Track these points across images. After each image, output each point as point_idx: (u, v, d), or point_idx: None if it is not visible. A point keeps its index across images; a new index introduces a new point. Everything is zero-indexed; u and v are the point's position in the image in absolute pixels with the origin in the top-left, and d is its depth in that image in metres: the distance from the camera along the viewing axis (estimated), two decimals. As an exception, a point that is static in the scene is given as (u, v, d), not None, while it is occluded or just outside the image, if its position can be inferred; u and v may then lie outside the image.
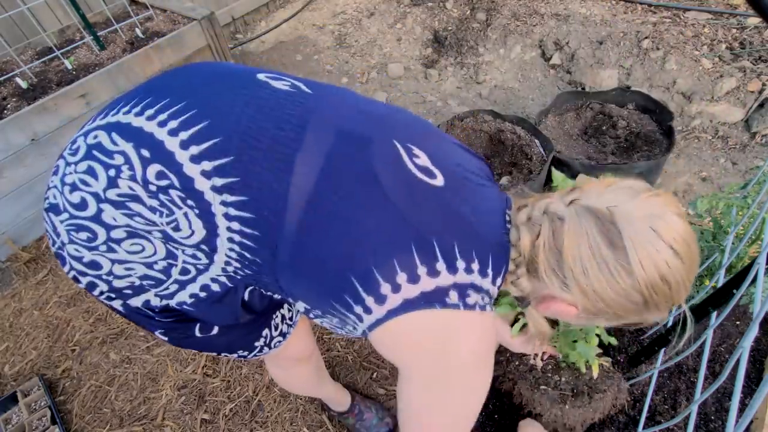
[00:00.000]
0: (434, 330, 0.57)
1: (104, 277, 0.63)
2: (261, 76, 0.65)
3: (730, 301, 0.71)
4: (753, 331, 0.53)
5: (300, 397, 1.59)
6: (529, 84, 2.82)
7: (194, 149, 0.56)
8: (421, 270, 0.54)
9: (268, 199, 0.56)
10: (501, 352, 1.20)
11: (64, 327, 1.91)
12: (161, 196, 0.56)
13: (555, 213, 0.59)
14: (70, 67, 2.32)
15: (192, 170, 0.55)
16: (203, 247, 0.59)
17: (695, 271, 0.58)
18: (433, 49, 3.15)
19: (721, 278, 0.89)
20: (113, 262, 0.61)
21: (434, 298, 0.54)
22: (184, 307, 0.67)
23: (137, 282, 0.64)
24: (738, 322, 1.31)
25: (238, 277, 0.63)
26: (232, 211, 0.56)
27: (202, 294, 0.65)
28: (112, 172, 0.57)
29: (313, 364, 1.15)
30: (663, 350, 1.05)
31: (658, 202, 0.56)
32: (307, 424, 1.52)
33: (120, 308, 0.69)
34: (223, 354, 0.84)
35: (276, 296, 0.68)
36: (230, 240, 0.58)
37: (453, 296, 0.55)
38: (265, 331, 0.86)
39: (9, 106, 2.10)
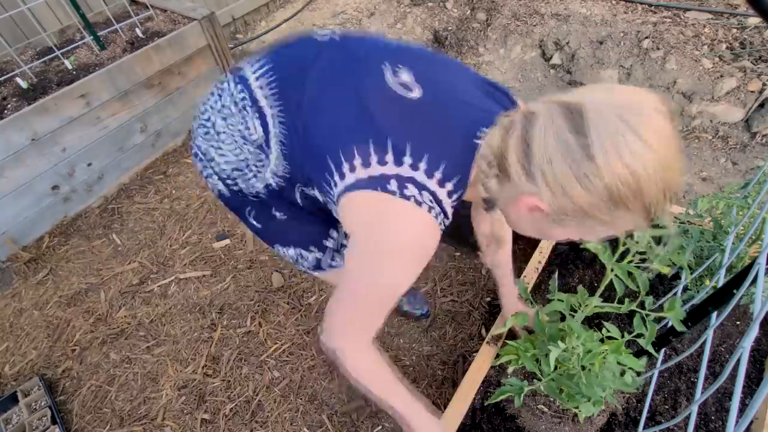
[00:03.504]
0: (373, 208, 0.69)
1: (212, 165, 0.94)
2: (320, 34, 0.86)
3: (730, 301, 0.71)
4: (753, 331, 0.53)
5: (300, 396, 1.59)
6: (530, 84, 2.82)
7: (262, 81, 0.82)
8: (373, 158, 0.68)
9: (294, 106, 0.78)
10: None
11: (64, 327, 1.91)
12: (242, 110, 0.84)
13: (529, 109, 0.61)
14: (70, 67, 2.32)
15: (257, 92, 0.82)
16: (263, 146, 0.84)
17: (673, 170, 0.55)
18: (433, 49, 3.16)
19: (721, 278, 0.89)
20: (219, 155, 0.91)
21: (377, 182, 0.67)
22: (261, 195, 0.94)
23: (231, 173, 0.92)
24: (738, 322, 1.31)
25: (288, 175, 0.85)
26: (278, 116, 0.79)
27: (271, 182, 0.90)
28: (221, 95, 0.88)
29: None
30: (663, 350, 1.05)
31: (636, 96, 0.56)
32: (307, 424, 1.52)
33: (225, 191, 0.98)
34: (297, 250, 1.04)
35: (316, 194, 0.85)
36: (276, 140, 0.81)
37: (393, 184, 0.67)
38: (333, 233, 1.04)
39: (9, 106, 2.10)
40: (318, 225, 1.02)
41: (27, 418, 1.56)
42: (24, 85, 2.19)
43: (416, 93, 0.73)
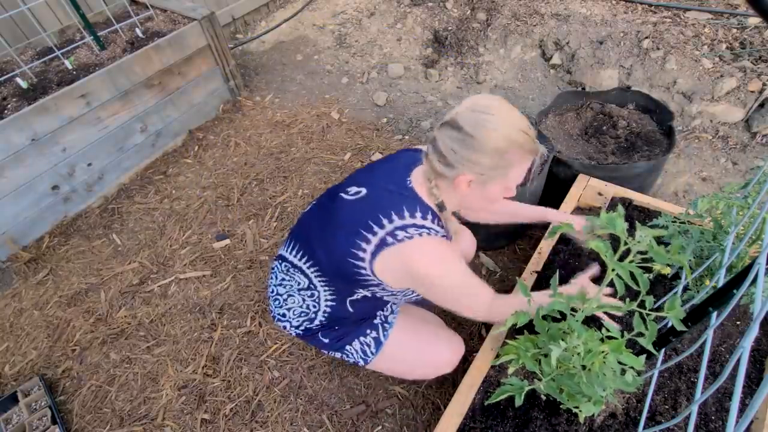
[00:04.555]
0: (400, 257, 1.01)
1: (286, 314, 1.30)
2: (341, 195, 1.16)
3: (730, 301, 0.71)
4: (753, 331, 0.53)
5: (300, 396, 1.59)
6: (530, 84, 2.82)
7: (292, 251, 1.26)
8: (376, 231, 1.02)
9: (309, 249, 1.21)
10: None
11: (64, 327, 1.91)
12: (289, 273, 1.26)
13: (430, 137, 1.00)
14: (70, 67, 2.32)
15: (292, 259, 1.25)
16: (310, 286, 1.21)
17: (516, 118, 0.96)
18: (433, 49, 3.15)
19: (721, 278, 0.89)
20: (287, 309, 1.29)
21: (390, 239, 1.01)
22: (323, 322, 1.27)
23: (297, 318, 1.28)
24: (738, 322, 1.31)
25: (334, 296, 1.21)
26: (305, 262, 1.21)
27: (328, 310, 1.24)
28: (275, 275, 1.32)
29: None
30: (663, 350, 1.05)
31: (482, 98, 0.98)
32: (307, 424, 1.52)
33: (300, 332, 1.30)
34: (360, 340, 1.30)
35: (363, 294, 1.19)
36: (313, 276, 1.20)
37: (400, 234, 1.00)
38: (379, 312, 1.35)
39: (9, 106, 2.10)
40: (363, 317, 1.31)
41: (27, 418, 1.56)
42: (24, 85, 2.20)
43: (363, 192, 1.11)
